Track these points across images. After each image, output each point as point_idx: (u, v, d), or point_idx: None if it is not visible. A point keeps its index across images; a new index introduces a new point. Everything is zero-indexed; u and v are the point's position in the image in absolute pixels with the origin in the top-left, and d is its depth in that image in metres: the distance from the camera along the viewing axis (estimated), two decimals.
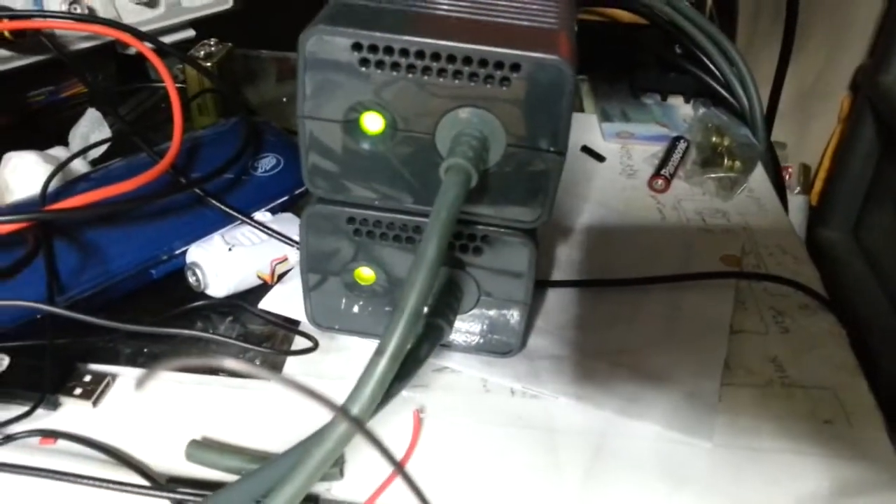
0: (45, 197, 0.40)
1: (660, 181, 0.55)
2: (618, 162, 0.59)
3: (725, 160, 0.56)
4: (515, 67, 0.30)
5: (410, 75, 0.31)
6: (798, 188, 1.16)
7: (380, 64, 0.31)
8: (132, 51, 0.59)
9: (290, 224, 0.45)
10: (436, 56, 0.30)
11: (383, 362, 0.25)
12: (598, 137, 0.61)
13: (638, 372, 0.40)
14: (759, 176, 0.58)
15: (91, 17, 0.52)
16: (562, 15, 0.33)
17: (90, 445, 0.35)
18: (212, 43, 0.58)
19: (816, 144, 1.16)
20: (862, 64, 1.03)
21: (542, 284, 0.45)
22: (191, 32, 0.62)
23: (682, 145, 0.58)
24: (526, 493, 0.34)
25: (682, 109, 0.65)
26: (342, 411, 0.24)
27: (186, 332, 0.39)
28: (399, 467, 0.22)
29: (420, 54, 0.30)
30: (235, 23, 0.64)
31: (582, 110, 0.66)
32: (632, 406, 0.38)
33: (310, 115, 0.33)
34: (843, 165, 1.06)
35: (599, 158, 0.58)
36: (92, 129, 0.51)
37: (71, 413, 0.36)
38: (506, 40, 0.30)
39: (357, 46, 0.31)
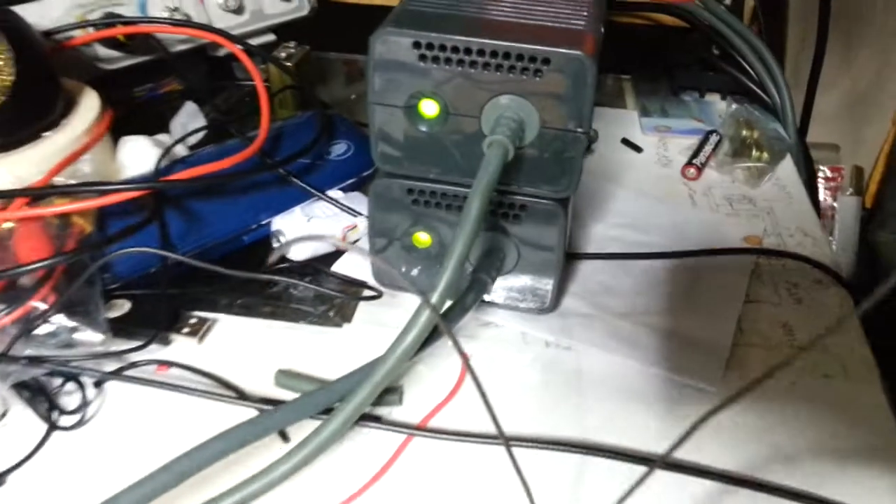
0: (158, 172, 0.48)
1: (692, 170, 0.60)
2: (654, 153, 0.64)
3: (754, 151, 0.61)
4: (546, 61, 0.36)
5: (461, 68, 0.38)
6: (850, 190, 1.18)
7: (436, 59, 0.38)
8: (221, 52, 0.68)
9: (358, 201, 0.52)
10: (481, 52, 0.37)
11: (443, 281, 0.32)
12: (638, 131, 0.67)
13: (658, 330, 0.46)
14: (787, 167, 0.63)
15: (192, 23, 0.60)
16: (589, 19, 0.40)
17: (197, 372, 0.42)
18: (291, 45, 0.66)
19: (871, 147, 1.18)
20: None
21: (577, 256, 0.51)
22: (272, 37, 0.70)
23: (714, 138, 0.63)
24: (556, 426, 0.40)
25: (718, 106, 0.70)
26: (425, 298, 0.30)
27: (277, 277, 0.47)
28: (465, 359, 0.29)
29: (469, 51, 0.37)
30: (310, 28, 0.72)
31: (624, 107, 0.71)
32: (650, 357, 0.44)
33: (378, 101, 0.40)
34: None
35: (637, 149, 0.63)
36: (190, 119, 0.59)
37: (180, 348, 0.44)
38: (539, 39, 0.37)
39: (417, 44, 0.37)
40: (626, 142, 0.64)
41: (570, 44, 0.36)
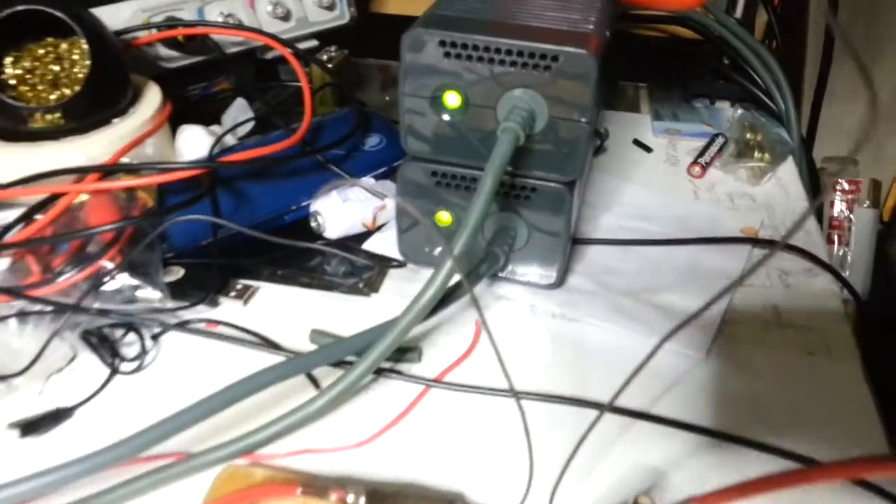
0: (211, 156, 0.55)
1: (696, 168, 0.65)
2: (663, 153, 0.69)
3: (756, 152, 0.65)
4: (555, 58, 0.42)
5: (480, 64, 0.43)
6: (867, 202, 1.21)
7: (458, 56, 0.43)
8: (269, 55, 0.74)
9: (388, 187, 0.58)
10: (498, 50, 0.42)
11: (462, 240, 0.37)
12: (650, 133, 0.72)
13: (657, 306, 0.50)
14: (788, 168, 0.67)
15: (246, 26, 0.66)
16: (596, 24, 0.45)
17: (241, 330, 0.48)
18: (332, 49, 0.72)
19: (890, 161, 1.21)
20: None
21: (585, 241, 0.56)
22: (314, 42, 0.76)
23: (720, 140, 0.67)
24: (558, 388, 0.45)
25: (727, 112, 0.74)
26: (449, 246, 0.36)
27: (317, 245, 0.53)
28: (480, 314, 0.34)
29: (487, 49, 0.42)
30: (350, 36, 0.78)
31: (638, 111, 0.76)
32: (648, 329, 0.48)
33: (408, 93, 0.45)
34: None
35: (647, 149, 0.68)
36: (239, 113, 0.65)
37: (227, 309, 0.50)
38: (550, 39, 0.42)
39: (443, 43, 0.43)
40: (637, 142, 0.69)
41: (576, 43, 0.42)
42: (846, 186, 1.17)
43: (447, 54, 0.43)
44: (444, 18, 0.44)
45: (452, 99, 0.45)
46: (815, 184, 0.70)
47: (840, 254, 1.12)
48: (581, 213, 0.59)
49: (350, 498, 0.34)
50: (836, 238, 1.14)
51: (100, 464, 0.36)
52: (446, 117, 0.46)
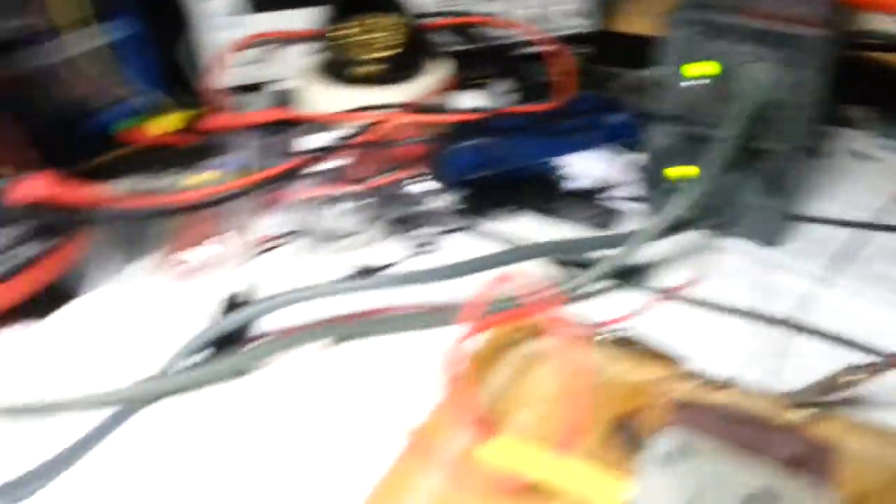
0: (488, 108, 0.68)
1: None
2: (886, 165, 0.73)
3: None
4: (790, 38, 0.50)
5: (727, 41, 0.53)
6: None
7: (711, 34, 0.53)
8: (526, 51, 0.87)
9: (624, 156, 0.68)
10: (743, 30, 0.52)
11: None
12: (874, 149, 0.76)
13: (865, 274, 0.56)
14: None
15: (520, 23, 0.80)
16: (826, 15, 0.53)
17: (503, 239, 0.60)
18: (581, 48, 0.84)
19: None
20: None
21: (806, 219, 0.62)
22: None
23: None
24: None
25: None
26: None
27: (568, 184, 0.66)
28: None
29: (734, 29, 0.52)
30: (591, 44, 0.90)
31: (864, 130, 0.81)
32: (851, 285, 0.55)
33: (664, 62, 0.56)
34: None
35: (872, 159, 0.73)
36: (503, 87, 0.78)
37: (489, 227, 0.63)
38: (787, 21, 0.51)
39: (698, 22, 0.53)
40: (858, 154, 0.74)
41: (809, 26, 0.50)
42: None
43: (701, 32, 0.53)
44: (699, 2, 0.55)
45: (700, 70, 0.55)
46: None
47: None
48: (803, 199, 0.65)
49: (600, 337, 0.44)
50: None
51: (388, 281, 0.51)
52: (696, 84, 0.55)
